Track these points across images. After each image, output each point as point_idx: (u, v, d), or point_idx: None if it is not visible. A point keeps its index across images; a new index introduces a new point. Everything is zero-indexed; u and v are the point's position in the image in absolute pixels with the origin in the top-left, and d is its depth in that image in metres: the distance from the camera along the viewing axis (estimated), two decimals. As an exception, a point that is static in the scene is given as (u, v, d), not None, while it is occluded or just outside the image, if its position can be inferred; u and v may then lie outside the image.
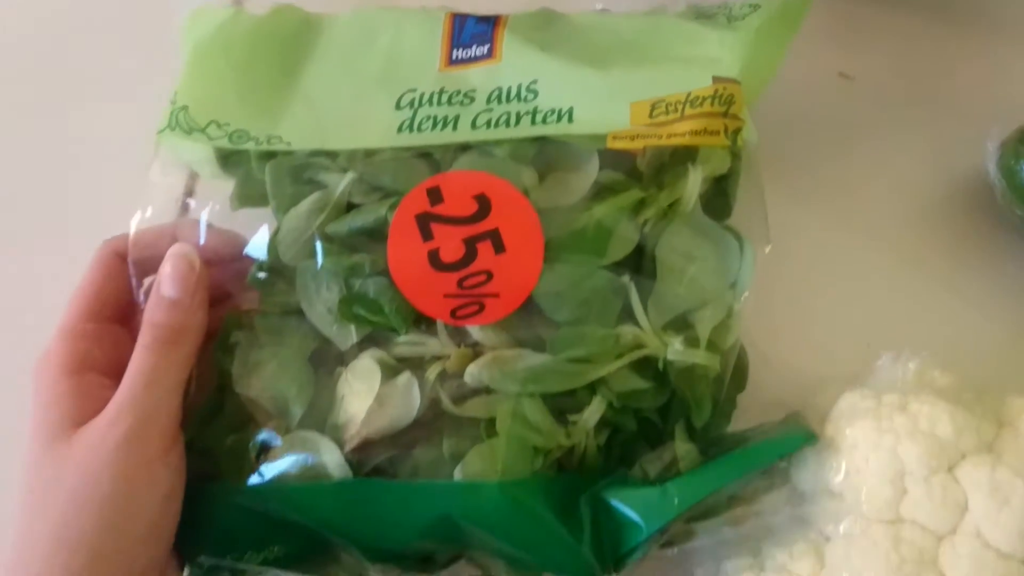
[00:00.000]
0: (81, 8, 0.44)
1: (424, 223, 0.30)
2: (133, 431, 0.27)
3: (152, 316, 0.29)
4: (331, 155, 0.33)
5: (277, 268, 0.31)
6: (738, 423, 0.32)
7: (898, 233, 0.37)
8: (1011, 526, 0.25)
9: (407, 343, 0.30)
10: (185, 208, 0.34)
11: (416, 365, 0.30)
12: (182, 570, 0.30)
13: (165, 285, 0.30)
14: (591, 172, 0.31)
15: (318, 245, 0.31)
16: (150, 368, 0.28)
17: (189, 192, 0.35)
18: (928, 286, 0.36)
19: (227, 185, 0.33)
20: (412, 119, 0.33)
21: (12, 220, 0.41)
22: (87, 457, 0.27)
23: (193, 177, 0.36)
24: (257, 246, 0.32)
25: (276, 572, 0.30)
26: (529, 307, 0.30)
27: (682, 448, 0.30)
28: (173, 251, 0.31)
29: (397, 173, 0.32)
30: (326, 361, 0.31)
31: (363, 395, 0.29)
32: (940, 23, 0.39)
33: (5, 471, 0.27)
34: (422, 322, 0.30)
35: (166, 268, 0.30)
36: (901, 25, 0.40)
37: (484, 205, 0.30)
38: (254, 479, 0.30)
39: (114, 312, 0.31)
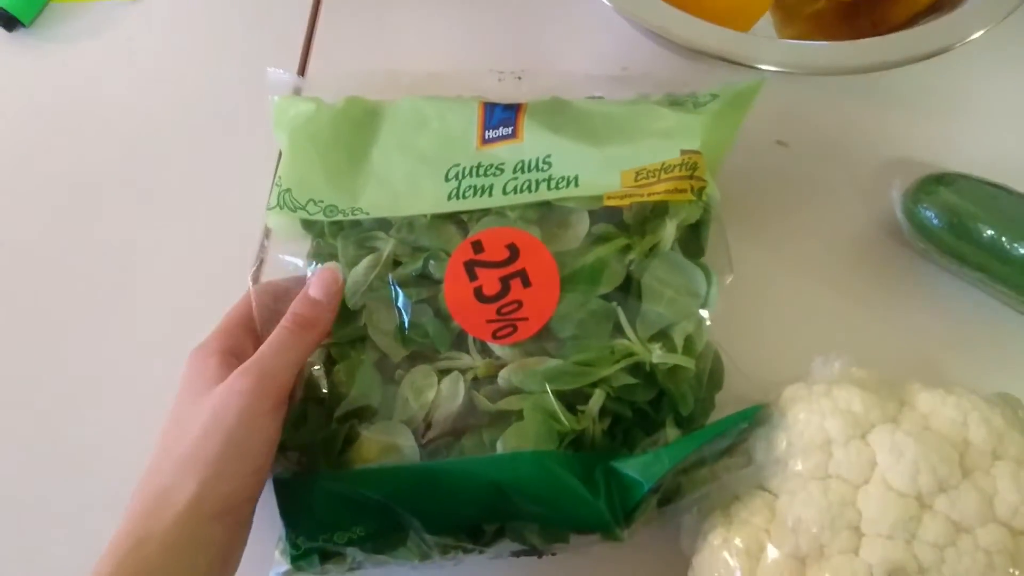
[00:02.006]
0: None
1: (470, 268, 0.37)
2: (256, 383, 0.32)
3: (296, 307, 0.35)
4: (385, 225, 0.38)
5: (345, 310, 0.37)
6: (717, 417, 0.36)
7: (829, 263, 0.42)
8: (906, 472, 0.31)
9: (446, 358, 0.36)
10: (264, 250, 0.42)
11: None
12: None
13: (313, 288, 0.36)
14: (583, 226, 0.37)
15: (381, 288, 0.37)
16: (281, 341, 0.34)
17: (267, 236, 0.44)
18: (853, 303, 0.41)
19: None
20: (458, 188, 0.39)
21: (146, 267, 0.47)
22: (219, 399, 0.32)
23: (267, 231, 0.44)
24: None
25: (358, 551, 0.35)
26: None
27: (671, 433, 0.35)
28: (324, 267, 0.37)
29: (432, 236, 0.38)
30: (386, 371, 0.36)
31: (426, 393, 0.35)
32: (854, 100, 0.46)
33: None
34: (456, 342, 0.36)
35: (317, 277, 0.36)
36: (824, 103, 0.46)
37: (514, 252, 0.37)
38: (344, 465, 0.34)
39: (252, 329, 0.37)
